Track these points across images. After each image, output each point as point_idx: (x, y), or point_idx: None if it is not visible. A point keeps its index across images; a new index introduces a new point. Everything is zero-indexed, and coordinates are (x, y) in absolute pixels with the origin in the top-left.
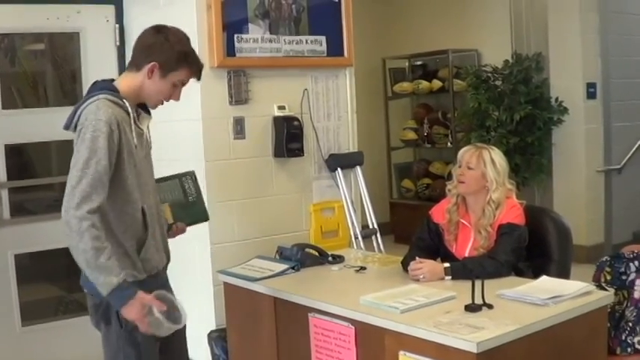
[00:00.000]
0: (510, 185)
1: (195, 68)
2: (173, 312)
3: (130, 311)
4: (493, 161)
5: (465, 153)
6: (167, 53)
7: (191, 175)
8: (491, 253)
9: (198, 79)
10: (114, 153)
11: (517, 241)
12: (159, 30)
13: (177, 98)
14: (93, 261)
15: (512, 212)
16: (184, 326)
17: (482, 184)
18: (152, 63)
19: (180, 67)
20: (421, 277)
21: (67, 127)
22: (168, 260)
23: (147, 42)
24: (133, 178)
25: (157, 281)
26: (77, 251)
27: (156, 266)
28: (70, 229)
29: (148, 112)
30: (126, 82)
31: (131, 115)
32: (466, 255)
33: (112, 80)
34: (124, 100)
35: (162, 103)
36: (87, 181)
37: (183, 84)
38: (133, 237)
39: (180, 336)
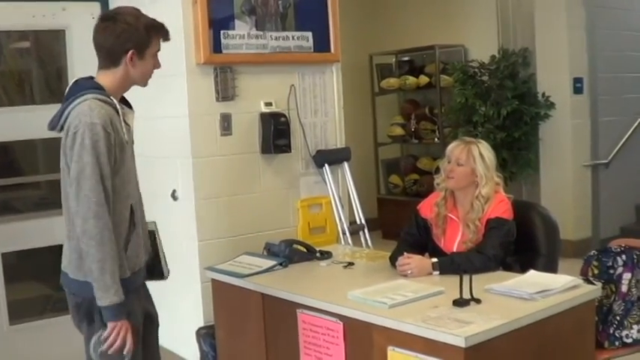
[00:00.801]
0: (498, 179)
1: (162, 32)
2: None
3: (121, 328)
4: (482, 156)
5: (455, 149)
6: (136, 36)
7: (151, 234)
8: (480, 247)
9: (169, 39)
10: (112, 155)
11: (505, 236)
12: (114, 19)
13: (159, 65)
14: (110, 271)
15: (501, 207)
16: (158, 324)
17: (471, 180)
18: (130, 52)
19: (151, 40)
20: (409, 272)
21: (52, 128)
22: (148, 257)
23: (111, 35)
24: (125, 174)
25: (139, 278)
26: (93, 259)
27: (139, 263)
28: (89, 238)
29: (130, 107)
30: (108, 80)
31: (119, 112)
32: (454, 249)
33: (93, 78)
34: (112, 98)
35: (150, 77)
36: (100, 189)
37: (159, 50)
38: (121, 235)
39: (155, 332)
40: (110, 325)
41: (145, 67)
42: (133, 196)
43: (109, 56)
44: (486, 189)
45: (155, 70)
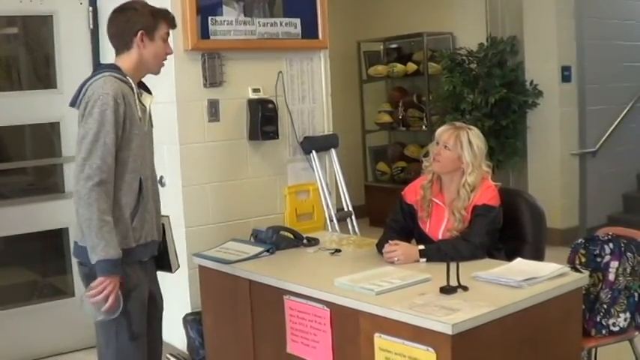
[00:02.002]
0: (487, 167)
1: (169, 17)
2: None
3: (107, 284)
4: (470, 143)
5: (444, 132)
6: (143, 18)
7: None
8: (466, 235)
9: (175, 26)
10: (120, 125)
11: (491, 223)
12: (123, 8)
13: (171, 50)
14: (96, 230)
15: (488, 193)
16: (162, 310)
17: (457, 166)
18: (139, 32)
19: (158, 23)
20: (396, 259)
21: (73, 104)
22: (159, 239)
23: (121, 21)
24: (136, 148)
25: (144, 251)
26: (82, 218)
27: (145, 236)
28: (79, 198)
29: (149, 92)
30: (125, 63)
31: (135, 91)
32: (440, 236)
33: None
34: (128, 77)
35: (163, 64)
36: (97, 153)
37: (168, 36)
38: (128, 205)
39: (158, 317)
40: (98, 279)
41: (156, 49)
42: (144, 172)
43: (121, 40)
44: (472, 177)
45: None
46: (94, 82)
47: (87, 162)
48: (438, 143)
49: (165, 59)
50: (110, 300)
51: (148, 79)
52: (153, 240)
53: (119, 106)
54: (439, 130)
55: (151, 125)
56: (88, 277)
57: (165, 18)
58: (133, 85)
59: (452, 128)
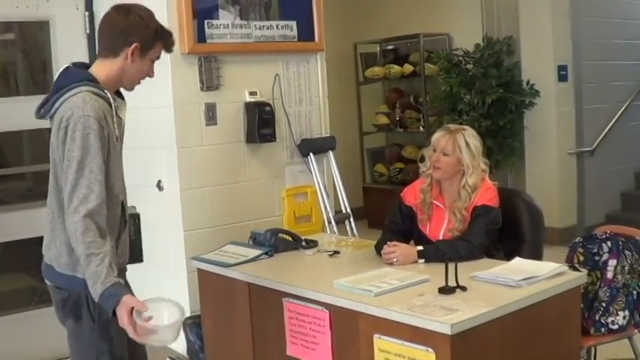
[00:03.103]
0: (484, 166)
1: (169, 42)
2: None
3: (120, 318)
4: (468, 144)
5: (441, 139)
6: (144, 32)
7: (135, 217)
8: (465, 235)
9: (171, 52)
10: (105, 149)
11: (491, 224)
12: (128, 10)
13: (153, 74)
14: (86, 268)
15: (488, 194)
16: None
17: (457, 169)
18: (133, 45)
19: (156, 43)
20: (394, 260)
21: (42, 116)
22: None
23: (120, 24)
24: (116, 172)
25: (123, 272)
26: (77, 254)
27: (124, 261)
28: (71, 235)
29: (122, 99)
30: (104, 71)
31: (113, 106)
32: (440, 237)
33: (86, 66)
34: (106, 91)
35: (139, 83)
36: (84, 182)
37: (158, 58)
38: (113, 234)
39: None
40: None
41: (142, 67)
42: (122, 193)
43: (112, 43)
44: (473, 178)
45: None
46: (70, 97)
47: (73, 194)
48: (435, 150)
49: (142, 80)
50: (130, 332)
51: (144, 82)
52: (126, 259)
53: (103, 128)
54: (435, 137)
55: (122, 136)
56: (66, 302)
57: (165, 42)
58: (111, 99)
59: (447, 133)
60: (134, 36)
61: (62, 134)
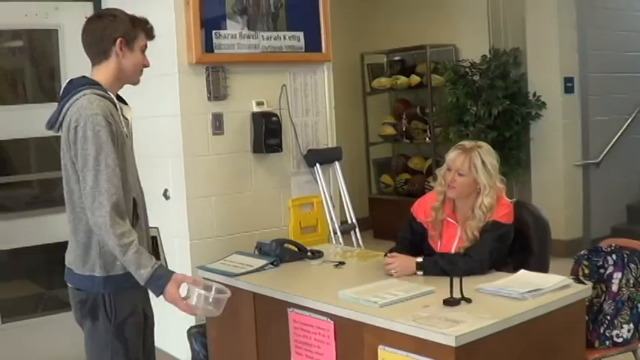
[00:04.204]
0: (501, 184)
1: (147, 27)
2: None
3: (169, 296)
4: (484, 164)
5: (456, 159)
6: (122, 26)
7: (154, 239)
8: (469, 250)
9: (153, 37)
10: (115, 145)
11: (498, 241)
12: (99, 15)
13: (149, 63)
14: (121, 257)
15: (501, 210)
16: (153, 325)
17: (473, 189)
18: (118, 40)
19: (137, 32)
20: (393, 271)
21: (51, 127)
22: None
23: (98, 28)
24: (127, 167)
25: None
26: (110, 247)
27: None
28: (99, 229)
29: (126, 104)
30: (102, 74)
31: (117, 106)
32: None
33: (85, 77)
34: (109, 93)
35: (141, 74)
36: (103, 177)
37: (146, 47)
38: None
39: (151, 333)
40: (165, 298)
41: (135, 58)
42: (135, 189)
43: (99, 48)
44: (489, 198)
45: (147, 70)
46: (75, 101)
47: (95, 190)
48: (450, 169)
49: (143, 70)
50: (183, 303)
51: (152, 92)
52: None
53: (110, 125)
54: (450, 156)
55: (131, 135)
56: (84, 304)
57: (144, 28)
58: (114, 100)
59: (463, 153)
60: (115, 32)
61: (72, 135)
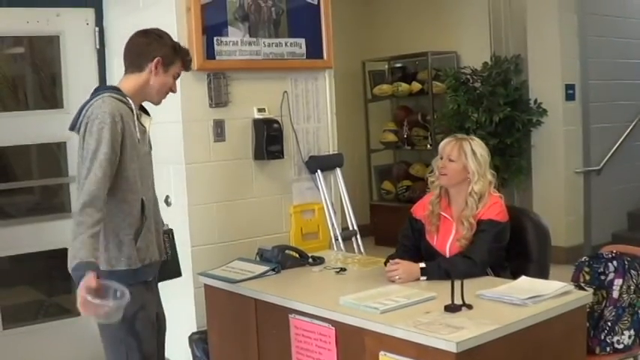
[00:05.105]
0: (491, 177)
1: (187, 59)
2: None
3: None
4: (474, 152)
5: (447, 145)
6: (164, 48)
7: (169, 233)
8: (467, 251)
9: (189, 69)
10: (118, 143)
11: (494, 240)
12: (147, 31)
13: (176, 90)
14: (71, 242)
15: (495, 208)
16: (165, 332)
17: (463, 176)
18: (156, 59)
19: (176, 59)
20: (397, 277)
21: (72, 128)
22: (162, 258)
23: (142, 42)
24: (136, 169)
25: (149, 272)
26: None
27: (150, 257)
28: (74, 214)
29: (148, 115)
30: (129, 83)
31: (134, 111)
32: (448, 247)
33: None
34: (127, 98)
35: (165, 97)
36: (94, 170)
37: (179, 76)
38: (131, 226)
39: (162, 340)
40: None
41: (165, 80)
42: (146, 193)
43: (136, 59)
44: (479, 185)
45: None
46: (93, 103)
47: (85, 180)
48: (442, 157)
49: (167, 94)
50: (80, 303)
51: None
52: (156, 260)
53: (117, 124)
54: (442, 144)
55: (150, 147)
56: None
57: (183, 58)
58: (133, 106)
59: (454, 140)
60: (156, 51)
61: (82, 130)
